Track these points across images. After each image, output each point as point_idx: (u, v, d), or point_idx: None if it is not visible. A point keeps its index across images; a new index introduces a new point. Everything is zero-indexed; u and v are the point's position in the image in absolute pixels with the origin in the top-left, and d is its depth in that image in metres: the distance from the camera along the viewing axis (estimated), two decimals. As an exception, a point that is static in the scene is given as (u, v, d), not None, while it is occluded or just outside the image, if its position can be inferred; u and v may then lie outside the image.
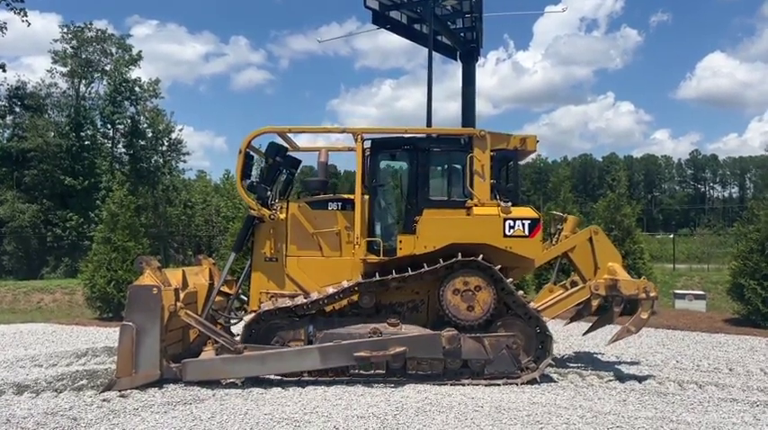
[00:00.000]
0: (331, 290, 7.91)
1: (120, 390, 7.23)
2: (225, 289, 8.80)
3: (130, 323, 7.35)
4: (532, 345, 7.89)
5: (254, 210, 8.18)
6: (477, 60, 14.12)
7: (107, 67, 33.86)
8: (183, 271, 8.61)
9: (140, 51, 34.57)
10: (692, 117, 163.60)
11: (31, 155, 30.56)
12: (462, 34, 13.79)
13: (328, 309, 8.13)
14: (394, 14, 13.30)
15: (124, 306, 7.71)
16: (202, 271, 9.27)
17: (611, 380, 8.00)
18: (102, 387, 7.39)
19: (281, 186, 8.89)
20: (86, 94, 34.34)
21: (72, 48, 32.67)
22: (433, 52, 12.48)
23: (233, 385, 7.65)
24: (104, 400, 6.91)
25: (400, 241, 8.01)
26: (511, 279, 7.91)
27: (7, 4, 26.35)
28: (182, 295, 7.83)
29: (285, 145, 8.87)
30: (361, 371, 7.68)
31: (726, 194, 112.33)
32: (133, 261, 13.85)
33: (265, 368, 7.66)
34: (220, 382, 7.73)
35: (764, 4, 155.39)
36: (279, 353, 7.67)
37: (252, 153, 8.63)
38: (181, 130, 35.90)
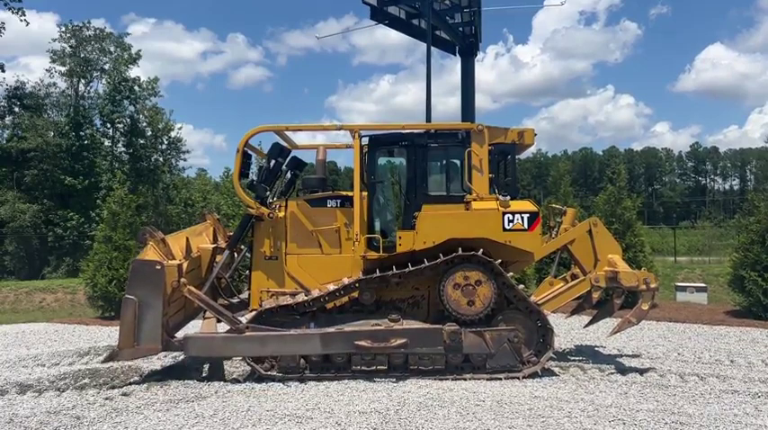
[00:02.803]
0: (332, 287, 7.92)
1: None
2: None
3: (133, 297, 7.36)
4: (534, 339, 7.90)
5: (252, 208, 8.18)
6: (475, 55, 14.13)
7: (106, 66, 33.84)
8: (187, 238, 8.53)
9: (140, 50, 34.58)
10: (693, 109, 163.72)
11: (30, 155, 30.54)
12: (461, 29, 13.79)
13: (329, 306, 8.12)
14: (392, 10, 13.29)
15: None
16: (206, 229, 9.22)
17: (612, 373, 8.01)
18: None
19: (283, 186, 8.89)
20: (85, 94, 34.33)
21: (71, 47, 32.62)
22: (432, 47, 12.47)
23: (235, 382, 7.68)
24: (107, 399, 6.94)
25: (399, 237, 8.02)
26: (511, 273, 7.94)
27: (5, 4, 26.25)
28: (185, 265, 7.81)
29: (287, 146, 8.85)
30: (363, 367, 7.70)
31: (726, 186, 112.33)
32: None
33: (266, 349, 7.69)
34: (223, 379, 7.77)
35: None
36: (280, 335, 7.69)
37: (250, 152, 8.62)
38: (180, 129, 35.90)
